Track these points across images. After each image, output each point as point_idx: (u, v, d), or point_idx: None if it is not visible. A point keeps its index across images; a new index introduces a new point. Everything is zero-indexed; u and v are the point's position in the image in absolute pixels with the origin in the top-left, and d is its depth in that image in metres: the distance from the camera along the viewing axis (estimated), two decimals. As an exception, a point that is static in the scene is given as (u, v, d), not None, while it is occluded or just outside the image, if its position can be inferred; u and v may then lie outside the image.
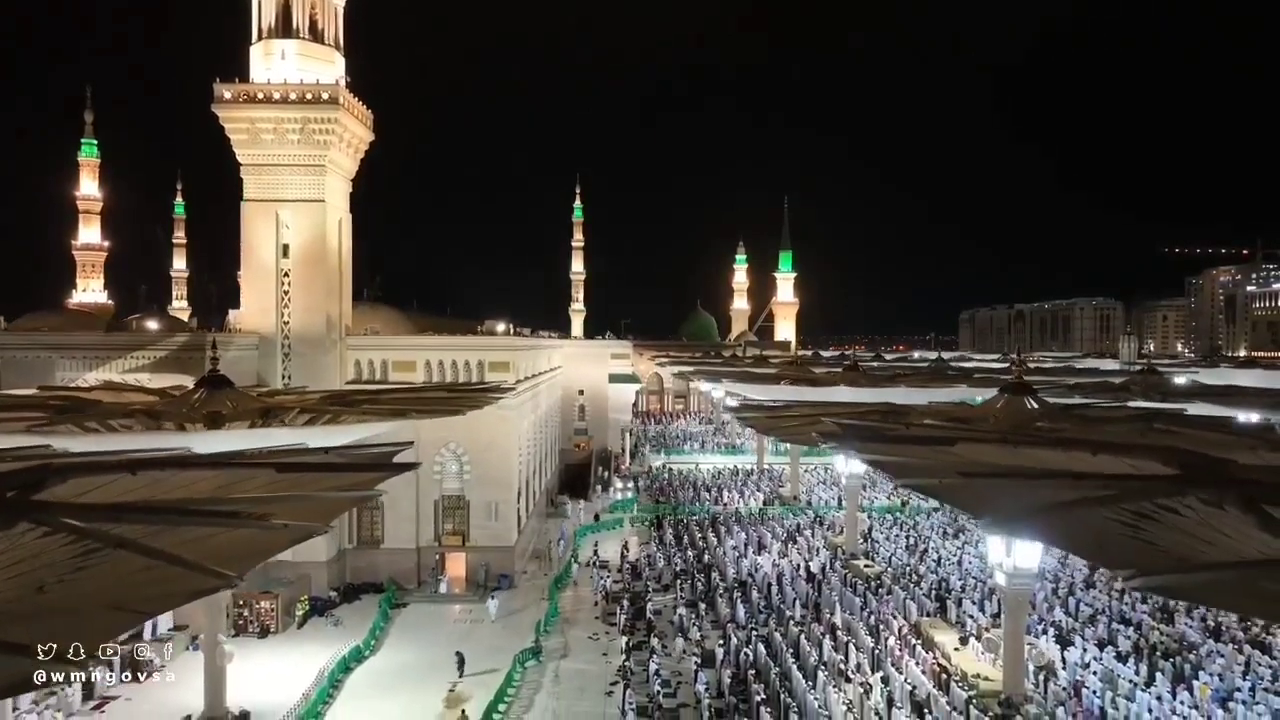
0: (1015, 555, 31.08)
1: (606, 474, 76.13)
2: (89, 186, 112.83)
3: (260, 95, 43.78)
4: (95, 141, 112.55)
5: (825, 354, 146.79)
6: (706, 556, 51.94)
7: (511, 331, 61.53)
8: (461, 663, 34.84)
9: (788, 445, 79.24)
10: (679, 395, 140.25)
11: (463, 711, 30.80)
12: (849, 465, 53.52)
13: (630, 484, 74.99)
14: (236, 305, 47.46)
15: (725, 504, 68.00)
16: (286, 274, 44.95)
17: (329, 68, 45.84)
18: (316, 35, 45.68)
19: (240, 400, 29.26)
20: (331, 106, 43.86)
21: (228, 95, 43.64)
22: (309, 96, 43.78)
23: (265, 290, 44.82)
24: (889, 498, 70.55)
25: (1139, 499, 12.42)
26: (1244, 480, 14.67)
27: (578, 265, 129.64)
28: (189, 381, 34.48)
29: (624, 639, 38.63)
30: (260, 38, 45.34)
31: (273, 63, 44.81)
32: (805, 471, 79.50)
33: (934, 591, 43.80)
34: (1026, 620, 34.85)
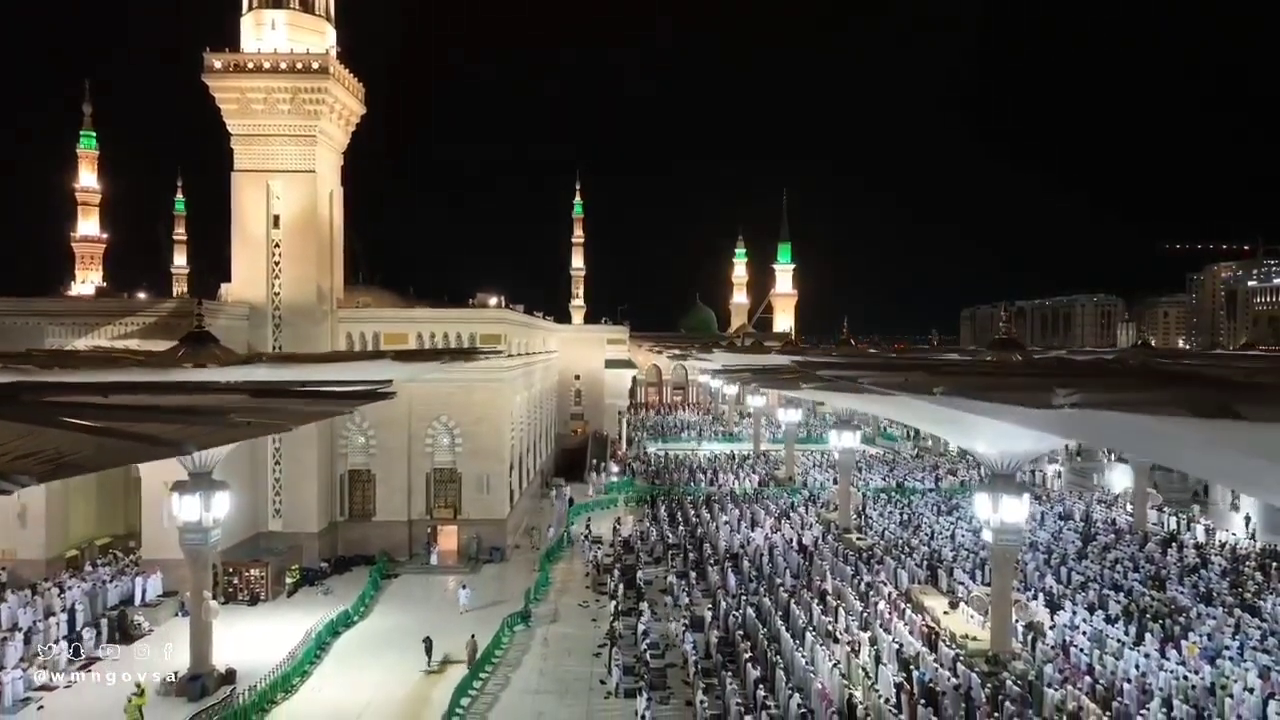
0: (1002, 511, 31.06)
1: (600, 462, 75.87)
2: (88, 178, 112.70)
3: (250, 65, 43.79)
4: (94, 133, 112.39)
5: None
6: (699, 531, 51.85)
7: (503, 305, 61.41)
8: (430, 648, 32.61)
9: (784, 432, 79.49)
10: (677, 387, 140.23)
11: (473, 636, 32.89)
12: (842, 440, 53.51)
13: (625, 468, 74.97)
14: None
15: (720, 485, 67.91)
16: (277, 245, 44.92)
17: (319, 38, 45.89)
18: (307, 6, 45.70)
19: (225, 354, 29.26)
20: (321, 76, 43.89)
21: (218, 65, 43.69)
22: (299, 66, 43.77)
23: (256, 261, 44.82)
24: (884, 479, 70.52)
25: (1101, 392, 12.37)
26: (1212, 381, 14.62)
27: (578, 261, 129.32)
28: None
29: (613, 603, 38.61)
30: (251, 8, 45.38)
31: (263, 33, 44.87)
32: (802, 455, 79.80)
33: (925, 562, 43.71)
34: (1013, 579, 34.76)
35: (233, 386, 18.11)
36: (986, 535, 32.01)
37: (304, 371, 23.68)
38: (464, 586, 40.47)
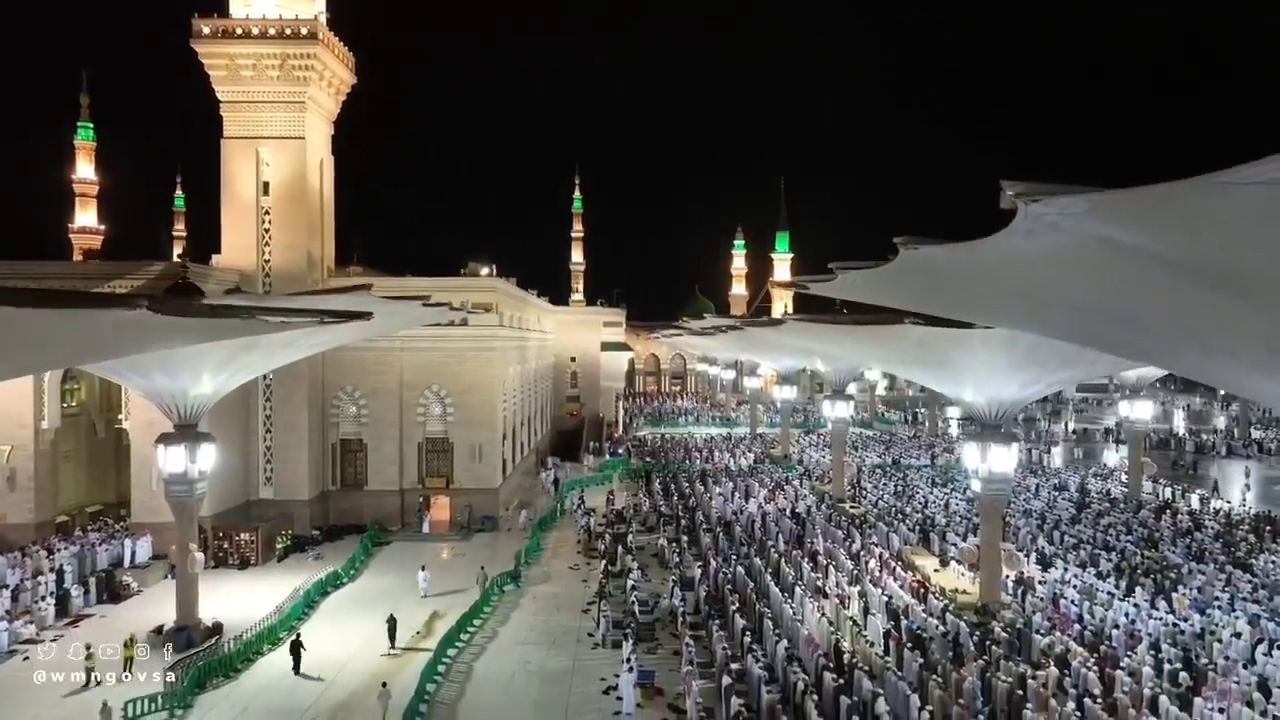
0: (991, 460, 30.98)
1: (596, 444, 75.75)
2: (85, 170, 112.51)
3: (239, 30, 43.71)
4: (91, 125, 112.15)
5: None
6: (692, 502, 51.72)
7: (493, 274, 61.20)
8: (393, 630, 30.20)
9: (779, 410, 79.57)
10: (675, 376, 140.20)
11: (483, 568, 36.11)
12: (835, 410, 53.41)
13: (621, 448, 74.81)
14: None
15: (715, 463, 67.72)
16: (267, 211, 44.84)
17: (309, 4, 45.70)
18: (297, -28, 45.75)
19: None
20: (310, 42, 43.82)
21: (206, 30, 43.62)
22: (288, 32, 43.70)
23: (246, 228, 44.74)
24: (880, 456, 70.44)
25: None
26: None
27: (577, 256, 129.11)
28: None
29: (603, 563, 38.51)
30: (240, -26, 45.39)
31: (252, -1, 44.92)
32: (799, 436, 79.80)
33: (918, 527, 43.60)
34: (1001, 530, 34.63)
35: (214, 303, 18.06)
36: (975, 485, 31.94)
37: (290, 303, 23.66)
38: (423, 568, 36.64)
